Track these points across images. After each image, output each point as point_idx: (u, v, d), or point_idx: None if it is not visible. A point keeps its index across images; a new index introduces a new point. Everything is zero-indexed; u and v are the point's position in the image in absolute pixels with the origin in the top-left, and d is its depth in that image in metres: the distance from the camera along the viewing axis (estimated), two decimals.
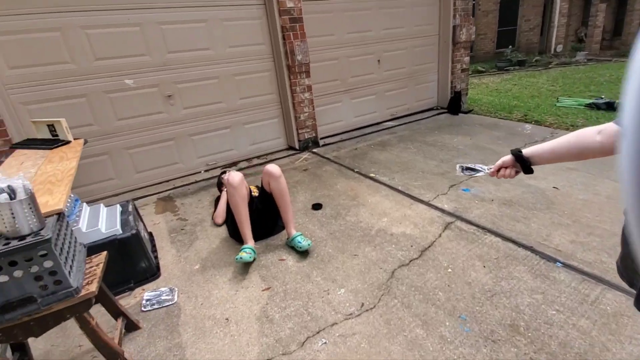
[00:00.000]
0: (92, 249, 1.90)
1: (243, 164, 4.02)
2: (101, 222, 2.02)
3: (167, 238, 2.57)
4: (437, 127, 4.81)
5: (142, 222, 2.47)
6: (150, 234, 2.60)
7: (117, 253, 1.95)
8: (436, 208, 2.67)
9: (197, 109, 3.70)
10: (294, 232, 2.28)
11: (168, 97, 3.50)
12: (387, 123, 5.19)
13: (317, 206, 2.82)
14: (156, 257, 2.32)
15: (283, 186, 2.32)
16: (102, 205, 2.22)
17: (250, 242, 2.22)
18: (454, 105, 5.48)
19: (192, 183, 3.61)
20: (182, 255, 2.34)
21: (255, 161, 4.08)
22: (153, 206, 3.15)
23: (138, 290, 2.03)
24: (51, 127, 2.54)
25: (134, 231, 2.01)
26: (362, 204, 2.82)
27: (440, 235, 2.32)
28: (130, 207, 2.31)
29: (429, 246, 2.22)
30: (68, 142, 2.46)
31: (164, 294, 1.93)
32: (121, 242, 1.96)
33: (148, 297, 1.90)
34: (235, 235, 2.47)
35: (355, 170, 3.55)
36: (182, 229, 2.68)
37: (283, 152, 4.31)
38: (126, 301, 1.95)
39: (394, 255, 2.15)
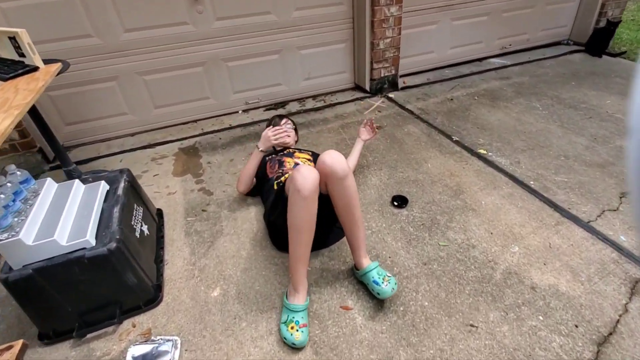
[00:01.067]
0: (45, 272, 1.17)
1: (293, 106, 3.01)
2: (64, 222, 1.24)
3: (182, 223, 1.81)
4: (573, 75, 3.29)
5: (143, 201, 1.69)
6: (160, 214, 1.86)
7: (90, 276, 1.23)
8: (605, 240, 1.59)
9: (235, 20, 2.59)
10: (366, 264, 1.40)
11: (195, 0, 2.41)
12: (495, 60, 3.71)
13: (399, 201, 1.86)
14: (161, 262, 1.60)
15: (351, 192, 1.34)
16: (76, 183, 1.44)
17: (302, 291, 1.33)
18: (598, 41, 3.73)
19: (225, 129, 2.72)
20: (197, 262, 1.59)
21: (310, 103, 3.04)
22: (172, 160, 2.36)
23: (127, 324, 1.36)
24: (14, 42, 1.67)
25: (114, 245, 1.23)
26: (472, 208, 1.81)
27: (626, 309, 1.32)
28: (122, 185, 1.51)
29: (611, 332, 1.25)
30: (34, 69, 1.61)
31: (160, 352, 1.23)
32: (93, 263, 1.21)
33: (134, 355, 1.21)
34: (277, 242, 1.66)
35: (454, 138, 2.42)
36: (203, 210, 1.90)
37: (347, 94, 3.18)
38: (105, 345, 1.28)
39: (545, 341, 1.21)
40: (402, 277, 1.46)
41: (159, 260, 1.58)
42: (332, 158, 1.31)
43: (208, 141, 2.57)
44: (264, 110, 2.95)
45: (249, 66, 2.78)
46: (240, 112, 2.94)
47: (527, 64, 3.59)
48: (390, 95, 3.08)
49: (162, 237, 1.72)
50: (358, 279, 1.44)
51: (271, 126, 2.09)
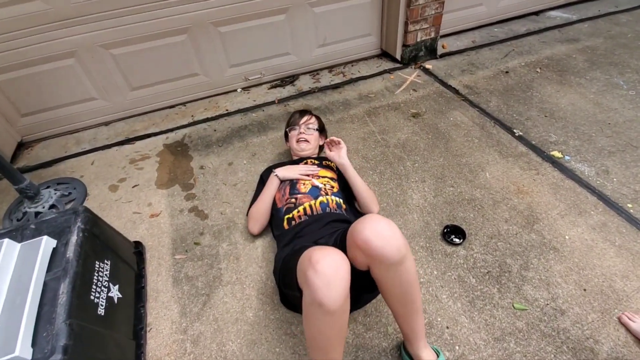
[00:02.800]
0: None
1: (305, 81, 2.44)
2: None
3: (169, 264, 1.41)
4: None
5: (112, 249, 1.26)
6: (139, 251, 1.45)
7: None
8: None
9: None
10: (428, 358, 1.00)
11: None
12: (555, 14, 2.99)
13: (454, 234, 1.42)
14: (142, 329, 1.23)
15: (410, 279, 0.90)
16: (6, 243, 1.02)
17: None
18: None
19: (220, 116, 2.21)
20: (189, 329, 1.20)
21: (325, 78, 2.46)
22: (155, 163, 1.90)
23: None
24: None
25: (59, 359, 0.84)
26: (553, 247, 1.36)
27: None
28: (76, 238, 1.07)
29: None
30: None
31: None
32: None
33: None
34: (289, 304, 1.26)
35: (517, 132, 1.90)
36: (196, 244, 1.48)
37: (372, 64, 2.57)
38: None
39: None
40: None
41: (139, 328, 1.21)
42: (378, 234, 0.84)
43: (200, 134, 2.08)
44: (269, 88, 2.40)
45: (247, 31, 2.18)
46: (239, 90, 2.40)
47: (598, 19, 2.87)
48: (428, 65, 2.48)
49: (143, 287, 1.34)
50: None
51: (290, 129, 1.61)
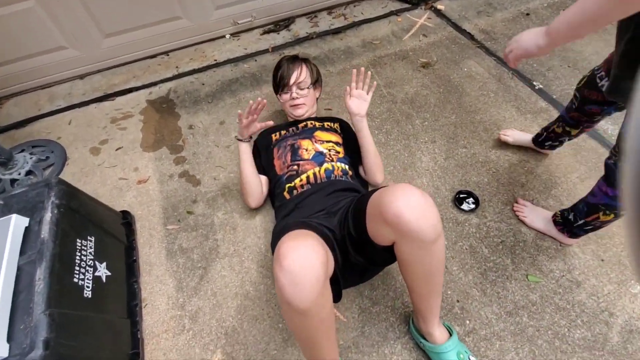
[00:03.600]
0: None
1: (301, 25, 2.14)
2: None
3: (161, 235, 1.29)
4: None
5: (94, 223, 1.11)
6: (128, 222, 1.31)
7: None
8: None
9: None
10: (441, 338, 0.92)
11: None
12: None
13: (467, 200, 1.29)
14: (136, 305, 1.14)
15: (439, 258, 0.78)
16: None
17: None
18: None
19: (209, 67, 1.94)
20: (186, 304, 1.12)
21: (325, 21, 2.16)
22: (139, 123, 1.69)
23: None
24: None
25: (40, 354, 0.74)
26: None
27: None
28: (50, 215, 0.93)
29: None
30: None
31: None
32: None
33: None
34: None
35: (537, 85, 1.67)
36: (188, 212, 1.35)
37: (377, 4, 2.23)
38: None
39: None
40: (478, 338, 1.02)
41: (134, 304, 1.13)
42: (413, 209, 0.71)
43: (187, 88, 1.85)
44: (261, 34, 2.11)
45: None
46: (227, 37, 2.10)
47: None
48: (440, 5, 2.17)
49: (135, 261, 1.24)
50: (419, 346, 1.01)
51: (280, 92, 1.37)
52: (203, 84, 1.85)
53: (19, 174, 1.47)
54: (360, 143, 1.25)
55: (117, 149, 1.59)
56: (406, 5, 2.19)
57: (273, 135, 1.32)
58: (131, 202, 1.40)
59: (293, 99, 1.33)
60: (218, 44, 2.08)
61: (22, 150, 1.58)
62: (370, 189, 1.24)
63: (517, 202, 1.27)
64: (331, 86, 1.77)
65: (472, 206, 1.28)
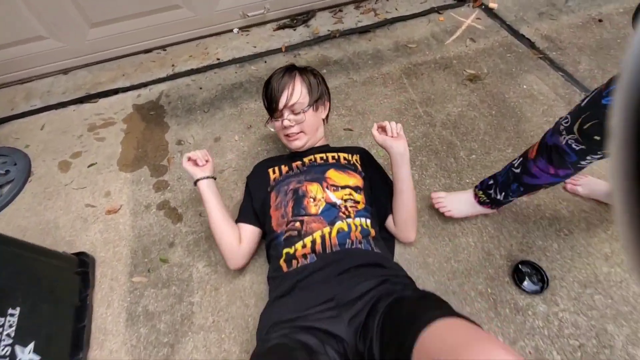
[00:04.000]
0: None
1: (322, 21, 1.78)
2: None
3: (124, 289, 0.99)
4: None
5: (23, 289, 0.82)
6: (83, 269, 1.00)
7: None
8: None
9: None
10: None
11: None
12: None
13: (529, 276, 0.92)
14: None
15: None
16: None
17: None
18: None
19: (209, 67, 1.61)
20: None
21: (350, 17, 1.79)
22: (120, 132, 1.39)
23: None
24: None
25: None
26: None
27: None
28: None
29: None
30: None
31: None
32: None
33: None
34: None
35: None
36: (162, 260, 1.04)
37: None
38: None
39: None
40: None
41: None
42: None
43: (181, 92, 1.54)
44: (275, 29, 1.77)
45: None
46: (235, 31, 1.77)
47: None
48: (492, 4, 1.76)
49: (85, 327, 0.95)
50: None
51: (270, 118, 1.04)
52: (200, 88, 1.53)
53: None
54: (396, 187, 0.92)
55: (89, 165, 1.30)
56: (451, 1, 1.80)
57: (271, 171, 0.99)
58: (94, 239, 1.11)
59: (285, 127, 0.98)
60: (224, 39, 1.75)
61: None
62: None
63: (432, 197, 1.06)
64: (354, 99, 1.42)
65: (538, 286, 0.92)
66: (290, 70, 1.03)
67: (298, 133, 1.00)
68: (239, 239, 0.93)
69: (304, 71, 1.05)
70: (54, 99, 1.56)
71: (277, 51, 1.65)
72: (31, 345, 0.78)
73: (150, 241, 1.09)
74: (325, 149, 1.05)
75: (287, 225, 0.85)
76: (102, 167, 1.29)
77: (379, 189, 0.98)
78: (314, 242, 0.80)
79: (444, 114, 1.34)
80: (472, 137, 1.26)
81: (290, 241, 0.82)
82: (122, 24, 1.59)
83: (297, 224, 0.84)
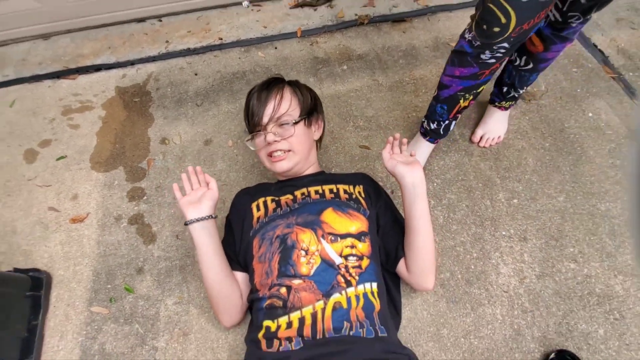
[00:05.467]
0: None
1: (349, 1, 1.58)
2: None
3: (80, 319, 0.90)
4: None
5: None
6: (34, 293, 0.90)
7: None
8: None
9: None
10: None
11: None
12: None
13: None
14: None
15: None
16: None
17: None
18: None
19: (209, 48, 1.44)
20: None
21: (381, 5, 1.59)
22: (98, 119, 1.26)
23: None
24: None
25: None
26: None
27: None
28: None
29: None
30: None
31: None
32: None
33: None
34: None
35: None
36: (127, 290, 0.95)
37: None
38: None
39: None
40: None
41: None
42: None
43: (173, 77, 1.39)
44: (292, 7, 1.57)
45: None
46: (245, 4, 1.59)
47: None
48: None
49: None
50: None
51: (252, 135, 0.91)
52: (196, 74, 1.38)
53: None
54: (409, 226, 0.80)
55: (58, 159, 1.19)
56: None
57: (254, 207, 0.85)
58: (54, 252, 1.02)
59: (269, 144, 0.86)
60: (230, 13, 1.58)
61: None
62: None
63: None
64: (376, 108, 1.26)
65: None
66: (279, 80, 0.92)
67: (285, 152, 0.86)
68: (240, 293, 0.82)
69: (295, 83, 0.94)
70: (29, 70, 1.43)
71: (291, 35, 1.47)
72: None
73: (116, 263, 1.00)
74: (320, 177, 0.92)
75: (270, 290, 0.73)
76: (72, 162, 1.19)
77: (388, 227, 0.85)
78: (302, 321, 0.68)
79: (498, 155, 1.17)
80: (517, 175, 1.09)
81: (273, 313, 0.70)
82: None
83: (283, 290, 0.71)
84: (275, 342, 0.67)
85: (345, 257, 0.76)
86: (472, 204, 1.05)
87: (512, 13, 0.66)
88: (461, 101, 0.95)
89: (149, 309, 0.93)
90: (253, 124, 0.89)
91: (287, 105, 0.88)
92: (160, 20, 1.57)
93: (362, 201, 0.86)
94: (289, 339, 0.66)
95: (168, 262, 1.00)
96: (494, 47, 0.76)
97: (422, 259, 0.81)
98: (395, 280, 0.89)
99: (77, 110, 1.31)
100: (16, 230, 1.06)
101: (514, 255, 0.97)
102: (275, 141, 0.85)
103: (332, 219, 0.80)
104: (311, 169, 0.96)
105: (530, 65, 0.97)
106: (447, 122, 1.01)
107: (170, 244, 1.02)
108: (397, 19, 1.51)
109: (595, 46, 1.38)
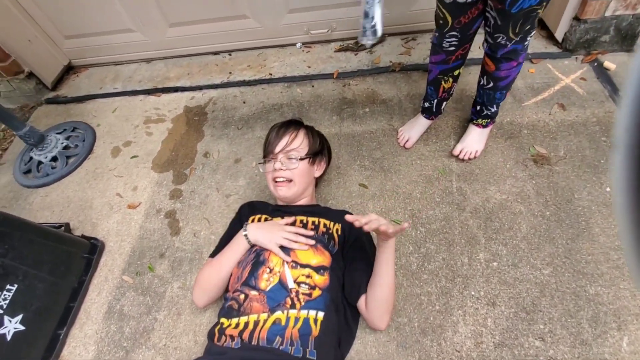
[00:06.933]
0: None
1: (389, 48, 1.62)
2: None
3: (114, 283, 1.13)
4: None
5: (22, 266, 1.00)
6: (89, 255, 1.16)
7: None
8: None
9: None
10: None
11: None
12: None
13: None
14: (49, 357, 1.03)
15: None
16: None
17: None
18: None
19: (260, 82, 1.63)
20: None
21: (420, 47, 1.60)
22: (164, 132, 1.52)
23: None
24: None
25: None
26: None
27: None
28: None
29: None
30: None
31: None
32: None
33: None
34: None
35: None
36: (150, 269, 1.16)
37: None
38: None
39: None
40: None
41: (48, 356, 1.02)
42: None
43: (227, 103, 1.61)
44: (336, 50, 1.69)
45: None
46: (298, 45, 1.76)
47: None
48: (608, 63, 1.36)
49: (73, 307, 1.12)
50: None
51: (264, 159, 1.06)
52: (244, 102, 1.58)
53: (46, 157, 1.50)
54: (374, 266, 0.85)
55: (132, 157, 1.49)
56: (553, 50, 1.45)
57: (251, 219, 0.99)
58: (110, 229, 1.28)
59: (277, 170, 0.98)
60: (285, 52, 1.75)
61: (64, 131, 1.62)
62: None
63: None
64: (384, 151, 1.29)
65: None
66: (298, 122, 1.08)
67: (287, 181, 0.99)
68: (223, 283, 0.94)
69: (310, 128, 1.09)
70: (131, 86, 1.80)
71: (328, 76, 1.59)
72: (19, 317, 0.96)
73: (148, 245, 1.22)
74: (309, 209, 1.01)
75: (234, 293, 0.84)
76: (140, 161, 1.47)
77: (356, 264, 0.90)
78: (246, 325, 0.78)
79: (481, 197, 1.12)
80: (504, 239, 1.03)
81: (230, 313, 0.81)
82: (194, 27, 1.72)
83: (242, 296, 0.82)
84: (223, 338, 0.78)
85: (299, 284, 0.83)
86: (449, 257, 1.03)
87: (447, 12, 0.91)
88: (443, 82, 1.14)
89: (160, 287, 1.12)
90: (267, 151, 1.04)
91: (298, 143, 1.02)
92: (230, 54, 1.83)
93: (336, 238, 0.93)
94: (232, 338, 0.77)
95: (183, 253, 1.18)
96: (446, 36, 0.98)
97: (379, 299, 0.84)
98: (355, 314, 0.93)
99: (154, 121, 1.61)
100: (92, 205, 1.36)
101: (476, 317, 0.93)
102: (281, 169, 0.99)
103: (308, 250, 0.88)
104: (305, 200, 1.06)
105: (491, 84, 1.07)
106: (436, 100, 1.20)
107: (189, 239, 1.21)
108: (428, 69, 1.51)
109: None
